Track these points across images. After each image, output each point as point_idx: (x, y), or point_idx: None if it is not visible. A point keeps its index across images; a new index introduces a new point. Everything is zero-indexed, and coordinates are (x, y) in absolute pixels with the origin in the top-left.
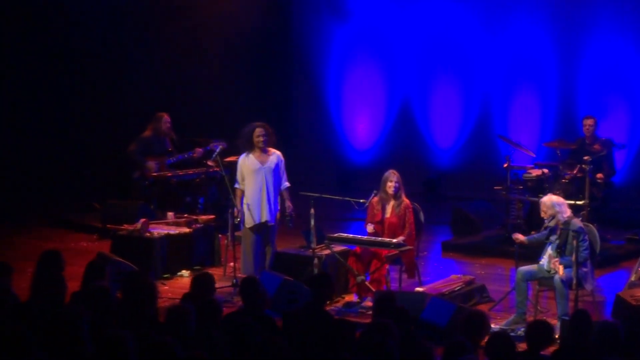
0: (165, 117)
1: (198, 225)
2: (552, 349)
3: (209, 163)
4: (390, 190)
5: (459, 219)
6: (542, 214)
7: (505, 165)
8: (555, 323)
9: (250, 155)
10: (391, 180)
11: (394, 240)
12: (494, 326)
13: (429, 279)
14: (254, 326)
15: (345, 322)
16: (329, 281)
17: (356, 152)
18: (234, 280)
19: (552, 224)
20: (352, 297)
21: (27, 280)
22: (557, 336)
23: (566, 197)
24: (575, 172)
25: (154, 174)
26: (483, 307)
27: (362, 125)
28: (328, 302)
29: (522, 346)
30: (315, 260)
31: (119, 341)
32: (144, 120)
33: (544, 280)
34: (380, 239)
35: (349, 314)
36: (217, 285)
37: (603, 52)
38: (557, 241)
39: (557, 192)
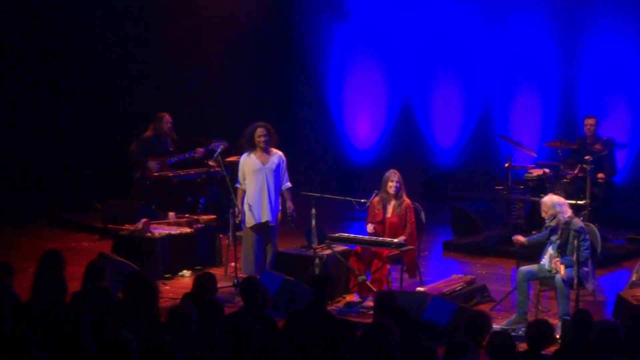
0: (167, 117)
1: (199, 225)
2: (553, 348)
3: (210, 163)
4: (391, 190)
5: (460, 219)
6: (543, 214)
7: (506, 165)
8: (557, 323)
9: (252, 155)
10: (392, 180)
11: (395, 240)
12: (495, 326)
13: (430, 279)
14: (254, 326)
15: (347, 322)
16: (330, 281)
17: (357, 152)
18: (235, 280)
19: (553, 223)
20: (353, 297)
21: (28, 280)
22: (558, 336)
23: (567, 197)
24: (576, 171)
25: (155, 174)
26: (484, 307)
27: (363, 125)
28: (329, 302)
29: (523, 346)
30: (317, 260)
31: (121, 341)
32: (145, 120)
33: (545, 280)
34: (381, 238)
35: (350, 313)
36: (218, 285)
37: (604, 51)
38: (558, 241)
39: (558, 192)
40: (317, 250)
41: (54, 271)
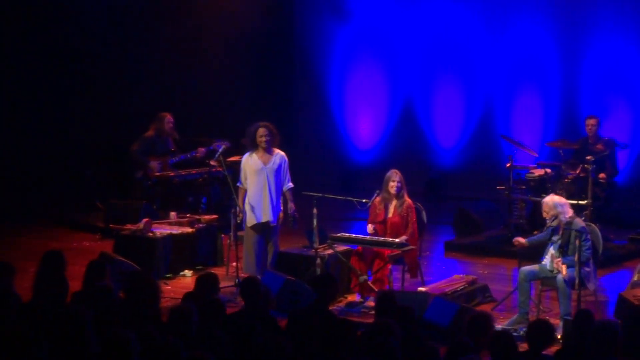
0: (168, 117)
1: (201, 225)
2: (554, 348)
3: (212, 163)
4: (393, 190)
5: (461, 219)
6: (544, 214)
7: (507, 165)
8: (558, 323)
9: (254, 155)
10: (393, 180)
11: (397, 240)
12: (496, 326)
13: (431, 279)
14: (255, 326)
15: (348, 322)
16: (332, 281)
17: (359, 152)
18: (237, 280)
19: (554, 224)
20: (354, 297)
21: (30, 280)
22: (559, 336)
23: (569, 197)
24: (577, 171)
25: (156, 174)
26: (485, 307)
27: (364, 125)
28: (331, 302)
29: (524, 346)
30: (318, 260)
31: (123, 341)
32: (146, 119)
33: (547, 280)
34: (382, 238)
35: (351, 313)
36: (220, 285)
37: (605, 52)
38: (560, 241)
39: (560, 192)
40: (318, 250)
41: (55, 271)
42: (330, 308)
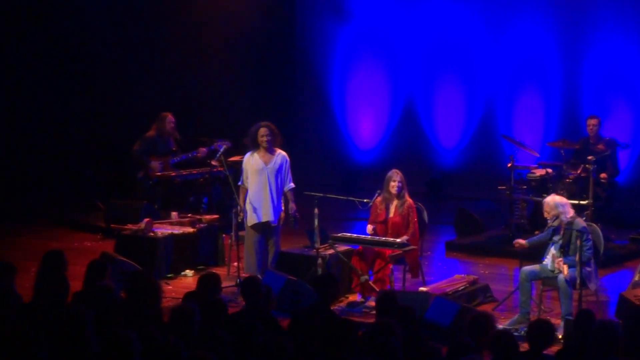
0: (169, 117)
1: (202, 225)
2: (555, 348)
3: (213, 163)
4: (394, 190)
5: (462, 219)
6: (545, 214)
7: (509, 165)
8: (559, 323)
9: (255, 155)
10: (394, 180)
11: (398, 240)
12: (498, 326)
13: (432, 279)
14: (256, 326)
15: (350, 322)
16: (334, 281)
17: (360, 152)
18: (238, 280)
19: (555, 224)
20: (355, 297)
21: (31, 280)
22: (560, 336)
23: (570, 197)
24: (579, 171)
25: (157, 174)
26: (487, 307)
27: (365, 125)
28: (333, 302)
29: (525, 346)
30: (319, 260)
31: (124, 341)
32: (147, 119)
33: (548, 280)
34: (384, 238)
35: (352, 313)
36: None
37: (606, 52)
38: (561, 241)
39: (561, 192)
40: (319, 250)
41: (56, 271)
42: (331, 308)
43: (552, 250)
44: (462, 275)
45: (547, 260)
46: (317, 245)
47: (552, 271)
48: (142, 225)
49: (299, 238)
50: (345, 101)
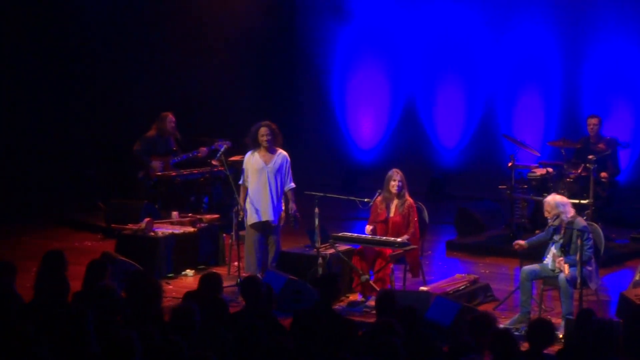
0: (170, 117)
1: (202, 225)
2: (556, 348)
3: (214, 162)
4: (394, 189)
5: (463, 218)
6: (546, 214)
7: (509, 164)
8: (560, 322)
9: (256, 154)
10: (394, 179)
11: (399, 240)
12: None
13: (433, 278)
14: (256, 325)
15: (351, 321)
16: (336, 280)
17: (360, 151)
18: (239, 280)
19: (556, 223)
20: (356, 297)
21: (31, 280)
22: (561, 335)
23: (570, 196)
24: (579, 171)
25: (158, 174)
26: (487, 307)
27: (366, 124)
28: (335, 302)
29: (526, 345)
30: (320, 260)
31: (125, 341)
32: (148, 119)
33: (549, 279)
34: (384, 238)
35: (353, 313)
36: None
37: (607, 51)
38: (561, 240)
39: (562, 192)
40: (320, 250)
41: (56, 271)
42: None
43: (553, 250)
44: (463, 274)
45: (548, 260)
46: (317, 244)
47: (553, 270)
48: (143, 225)
49: (299, 238)
50: (346, 101)
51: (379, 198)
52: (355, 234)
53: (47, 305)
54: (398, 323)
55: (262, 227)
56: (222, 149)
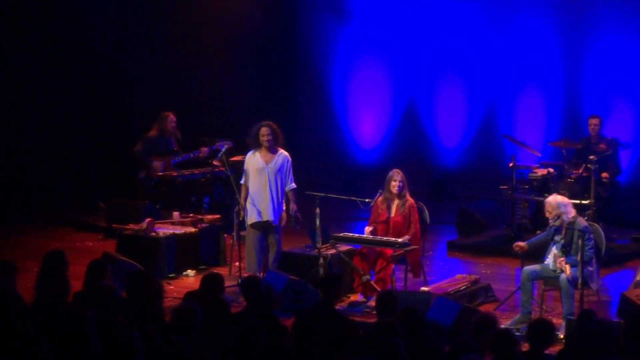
0: (171, 117)
1: (204, 225)
2: (557, 348)
3: (215, 162)
4: (394, 190)
5: (464, 219)
6: (547, 214)
7: (510, 164)
8: (561, 323)
9: (257, 154)
10: (395, 179)
11: (400, 240)
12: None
13: (434, 279)
14: (257, 325)
15: (352, 321)
16: (339, 281)
17: (362, 151)
18: (240, 280)
19: (557, 223)
20: (357, 297)
21: (33, 280)
22: (562, 336)
23: (571, 197)
24: (580, 171)
25: (159, 174)
26: (488, 307)
27: (367, 124)
28: (337, 302)
29: (527, 346)
30: (321, 260)
31: (126, 341)
32: (149, 119)
33: (549, 279)
34: (385, 238)
35: (354, 313)
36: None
37: (608, 51)
38: (562, 241)
39: (563, 192)
40: (321, 250)
41: (57, 271)
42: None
43: (554, 250)
44: (464, 275)
45: (549, 260)
46: (318, 245)
47: (554, 271)
48: (144, 225)
49: (300, 238)
50: (347, 101)
51: (380, 198)
52: (357, 234)
53: (48, 306)
54: (399, 323)
55: (262, 227)
56: (223, 149)
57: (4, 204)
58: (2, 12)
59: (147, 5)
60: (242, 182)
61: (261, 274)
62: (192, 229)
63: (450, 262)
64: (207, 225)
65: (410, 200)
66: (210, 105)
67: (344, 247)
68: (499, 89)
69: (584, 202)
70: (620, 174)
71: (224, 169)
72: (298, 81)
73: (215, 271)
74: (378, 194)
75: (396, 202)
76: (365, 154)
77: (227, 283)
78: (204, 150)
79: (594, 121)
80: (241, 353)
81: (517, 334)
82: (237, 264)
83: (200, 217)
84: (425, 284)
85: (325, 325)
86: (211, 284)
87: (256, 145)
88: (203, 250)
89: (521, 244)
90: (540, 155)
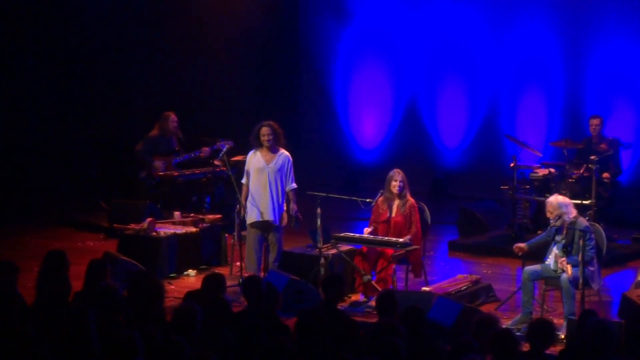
0: (172, 116)
1: (205, 225)
2: (558, 348)
3: (216, 162)
4: (395, 190)
5: (465, 219)
6: (548, 214)
7: (512, 164)
8: (562, 323)
9: (258, 153)
10: (395, 179)
11: (401, 240)
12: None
13: (435, 279)
14: (258, 325)
15: (354, 321)
16: (341, 281)
17: (363, 151)
18: (241, 280)
19: (558, 224)
20: (358, 297)
21: (33, 280)
22: (563, 336)
23: (573, 197)
24: (581, 171)
25: (160, 174)
26: (489, 307)
27: (368, 124)
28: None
29: (527, 345)
30: (322, 260)
31: (127, 340)
32: (150, 119)
33: (551, 279)
34: (386, 238)
35: (355, 313)
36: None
37: (609, 51)
38: (563, 241)
39: (564, 192)
40: (322, 250)
41: (58, 271)
42: None
43: (555, 250)
44: (465, 275)
45: (550, 260)
46: (319, 245)
47: (555, 271)
48: (145, 224)
49: (301, 238)
50: (348, 101)
51: (381, 198)
52: (358, 234)
53: (49, 306)
54: (400, 323)
55: (262, 226)
56: (225, 149)
57: (4, 204)
58: (2, 12)
59: (147, 5)
60: (242, 181)
61: (261, 274)
62: (193, 229)
63: (451, 262)
64: (208, 225)
65: (411, 200)
66: (211, 105)
67: (345, 247)
68: (500, 89)
69: (585, 202)
70: (621, 174)
71: (225, 168)
72: (299, 81)
73: (217, 271)
74: (379, 194)
75: (397, 202)
76: (366, 153)
77: (228, 283)
78: (205, 150)
79: (595, 121)
80: (242, 353)
81: (518, 334)
82: (238, 263)
83: (201, 217)
84: (426, 284)
85: (327, 325)
86: (213, 283)
87: (257, 145)
88: (204, 250)
89: (521, 245)
90: (541, 155)
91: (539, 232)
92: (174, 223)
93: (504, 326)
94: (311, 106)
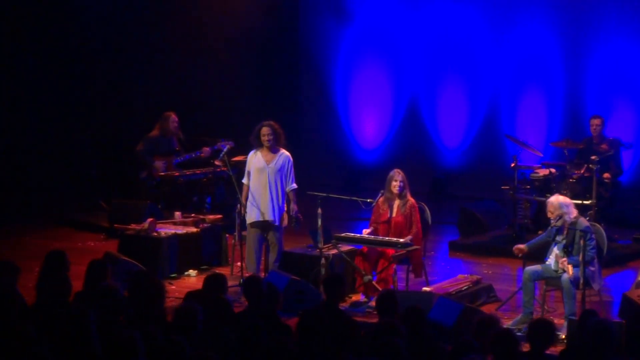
0: (173, 117)
1: (205, 225)
2: (559, 348)
3: (217, 162)
4: (395, 190)
5: (466, 219)
6: (549, 214)
7: (512, 165)
8: (562, 323)
9: (258, 153)
10: (396, 179)
11: (401, 240)
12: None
13: (436, 279)
14: (259, 325)
15: (354, 321)
16: (342, 281)
17: (363, 151)
18: (241, 280)
19: (559, 224)
20: (359, 297)
21: (34, 280)
22: (563, 336)
23: (573, 197)
24: (582, 171)
25: (161, 174)
26: (490, 307)
27: (369, 124)
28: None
29: (528, 346)
30: (323, 260)
31: (128, 341)
32: (150, 119)
33: (551, 279)
34: (387, 238)
35: (355, 313)
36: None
37: (610, 51)
38: (564, 241)
39: (564, 192)
40: (323, 250)
41: (58, 271)
42: None
43: (556, 250)
44: (466, 275)
45: (551, 260)
46: (320, 245)
47: (556, 271)
48: (146, 225)
49: (302, 238)
50: (348, 101)
51: (381, 199)
52: (358, 235)
53: (49, 306)
54: (401, 323)
55: (262, 226)
56: (225, 149)
57: (4, 204)
58: (2, 12)
59: (147, 5)
60: (243, 181)
61: (261, 274)
62: (193, 229)
63: (452, 262)
64: (209, 225)
65: (412, 200)
66: (211, 105)
67: (345, 247)
68: (501, 89)
69: (585, 202)
70: (622, 174)
71: (225, 169)
72: (299, 81)
73: (218, 272)
74: (379, 195)
75: (397, 202)
76: (366, 154)
77: (229, 283)
78: (206, 150)
79: (595, 121)
80: (243, 353)
81: (519, 334)
82: (238, 264)
83: (202, 217)
84: (427, 284)
85: (328, 325)
86: (214, 284)
87: (258, 145)
88: (205, 250)
89: (521, 246)
90: (541, 155)
91: (540, 232)
92: (174, 223)
93: (504, 326)
94: (311, 106)
